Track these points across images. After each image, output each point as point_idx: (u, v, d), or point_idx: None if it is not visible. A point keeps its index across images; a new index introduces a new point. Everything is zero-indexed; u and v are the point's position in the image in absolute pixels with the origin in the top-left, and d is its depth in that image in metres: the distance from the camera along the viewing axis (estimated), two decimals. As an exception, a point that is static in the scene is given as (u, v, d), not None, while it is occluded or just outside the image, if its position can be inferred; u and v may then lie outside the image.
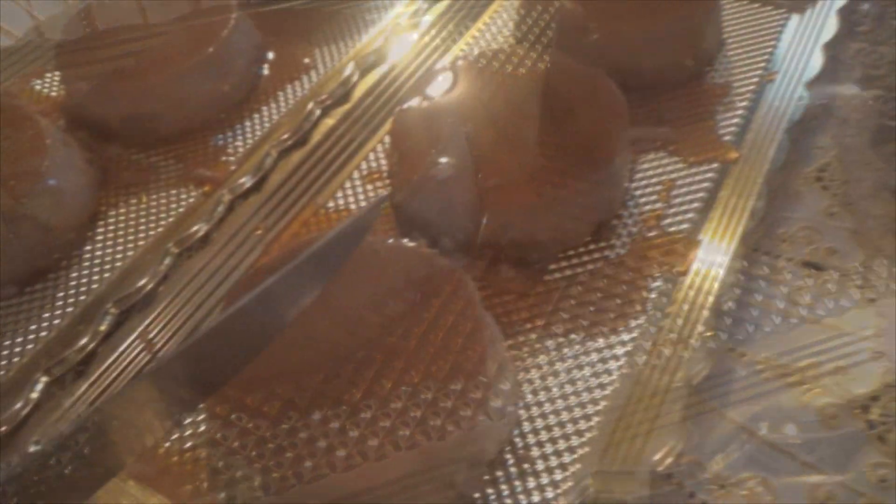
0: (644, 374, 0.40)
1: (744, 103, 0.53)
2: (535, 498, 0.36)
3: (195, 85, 0.56)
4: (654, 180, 0.49)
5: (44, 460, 0.26)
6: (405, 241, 0.41)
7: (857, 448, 0.37)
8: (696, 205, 0.47)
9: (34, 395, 0.42)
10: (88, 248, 0.49)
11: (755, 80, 0.54)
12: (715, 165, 0.49)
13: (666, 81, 0.54)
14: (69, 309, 0.46)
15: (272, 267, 0.41)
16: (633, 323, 0.42)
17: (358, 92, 0.58)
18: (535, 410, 0.39)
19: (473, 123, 0.47)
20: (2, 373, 0.43)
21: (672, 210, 0.47)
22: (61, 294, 0.47)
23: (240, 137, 0.56)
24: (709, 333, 0.40)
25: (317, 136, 0.55)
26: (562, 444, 0.37)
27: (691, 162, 0.50)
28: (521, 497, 0.36)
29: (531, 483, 0.36)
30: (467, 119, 0.47)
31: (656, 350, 0.40)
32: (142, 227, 0.50)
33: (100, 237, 0.50)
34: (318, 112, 0.56)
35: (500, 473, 0.37)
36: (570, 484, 0.36)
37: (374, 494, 0.33)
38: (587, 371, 0.40)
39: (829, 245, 0.45)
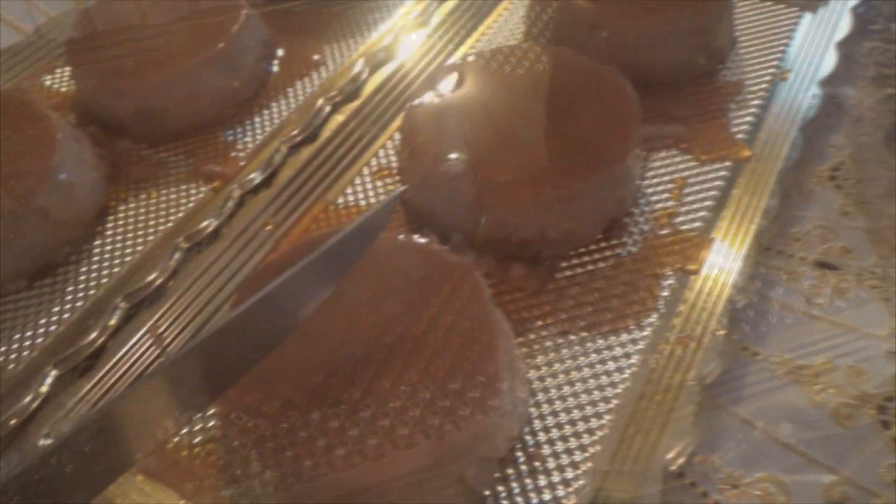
0: (656, 373, 0.39)
1: (756, 101, 0.53)
2: (546, 496, 0.36)
3: (205, 81, 0.55)
4: (665, 178, 0.49)
5: (55, 456, 0.26)
6: (415, 237, 0.41)
7: (872, 448, 0.36)
8: (708, 203, 0.47)
9: (43, 389, 0.42)
10: (98, 242, 0.49)
11: (768, 78, 0.54)
12: (727, 164, 0.49)
13: (678, 79, 0.54)
14: (79, 303, 0.46)
15: (282, 263, 0.41)
16: (644, 321, 0.42)
17: (368, 89, 0.58)
18: (545, 408, 0.39)
19: (484, 120, 0.47)
20: (11, 366, 0.43)
21: (684, 208, 0.47)
22: (71, 288, 0.47)
23: (249, 133, 0.55)
24: (721, 332, 0.40)
25: (326, 132, 0.55)
26: (573, 443, 0.37)
27: (703, 160, 0.49)
28: (532, 495, 0.36)
29: (542, 481, 0.36)
30: (478, 116, 0.47)
31: (668, 348, 0.40)
32: (151, 222, 0.50)
33: (109, 232, 0.50)
34: (327, 108, 0.56)
35: (510, 471, 0.36)
36: (581, 482, 0.36)
37: (385, 490, 0.32)
38: (598, 369, 0.40)
39: (843, 244, 0.45)
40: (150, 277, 0.46)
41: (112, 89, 0.55)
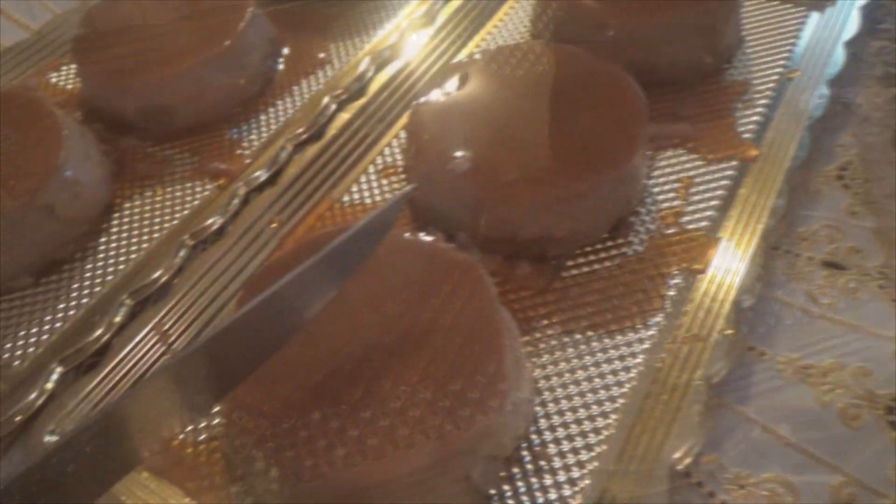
0: (662, 372, 0.39)
1: (763, 101, 0.52)
2: (552, 495, 0.35)
3: (211, 78, 0.55)
4: (672, 177, 0.49)
5: (60, 455, 0.25)
6: (421, 234, 0.41)
7: (880, 449, 0.36)
8: (715, 202, 0.47)
9: (49, 386, 0.42)
10: (104, 239, 0.49)
11: (775, 77, 0.54)
12: (734, 163, 0.49)
13: (684, 78, 0.54)
14: (84, 300, 0.46)
15: (287, 261, 0.41)
16: (651, 320, 0.41)
17: (373, 87, 0.58)
18: (551, 407, 0.38)
19: (490, 118, 0.47)
20: (17, 363, 0.43)
21: (691, 207, 0.47)
22: (76, 285, 0.47)
23: (255, 131, 0.55)
24: (728, 331, 0.40)
25: (332, 130, 0.55)
26: (579, 442, 0.37)
27: (710, 159, 0.49)
28: (538, 494, 0.36)
29: (548, 480, 0.36)
30: (484, 114, 0.47)
31: (675, 348, 0.40)
32: (157, 220, 0.50)
33: (115, 229, 0.50)
34: (333, 106, 0.56)
35: (516, 470, 0.36)
36: (587, 482, 0.36)
37: (390, 489, 0.32)
38: (604, 368, 0.40)
39: (850, 244, 0.45)
40: (156, 275, 0.46)
41: (118, 86, 0.55)
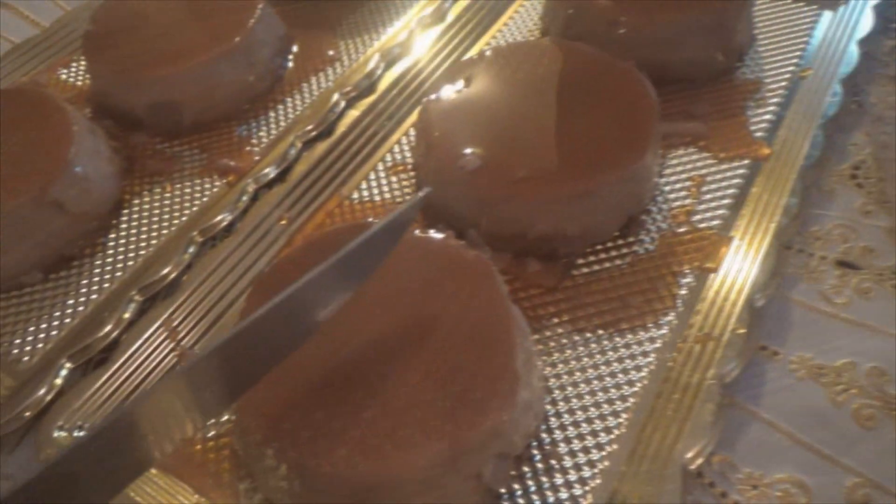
0: (674, 371, 0.39)
1: (776, 99, 0.52)
2: (563, 494, 0.35)
3: (220, 75, 0.55)
4: (683, 176, 0.48)
5: (75, 456, 0.26)
6: (432, 232, 0.41)
7: (895, 449, 0.36)
8: (727, 201, 0.46)
9: (58, 381, 0.42)
10: (113, 235, 0.49)
11: (787, 76, 0.53)
12: (746, 162, 0.48)
13: (696, 76, 0.54)
14: (93, 296, 0.46)
15: (297, 258, 0.41)
16: (662, 319, 0.41)
17: (383, 84, 0.58)
18: (562, 406, 0.38)
19: (501, 115, 0.47)
20: (26, 358, 0.43)
21: (703, 206, 0.46)
22: (85, 281, 0.47)
23: (264, 128, 0.55)
24: (741, 331, 0.40)
25: (342, 127, 0.54)
26: (590, 441, 0.37)
27: (722, 158, 0.49)
28: (549, 493, 0.35)
29: (559, 479, 0.36)
30: (495, 111, 0.47)
31: (687, 347, 0.40)
32: (166, 216, 0.50)
33: (124, 225, 0.50)
34: (342, 103, 0.56)
35: (526, 469, 0.36)
36: (598, 481, 0.35)
37: (401, 486, 0.32)
38: (615, 367, 0.39)
39: (864, 244, 0.44)
40: (165, 271, 0.46)
41: (127, 83, 0.55)
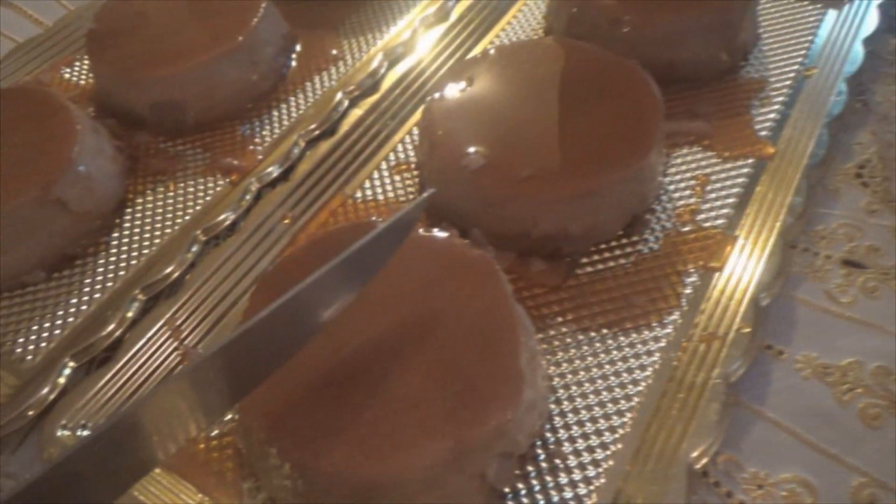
0: (679, 371, 0.39)
1: (780, 98, 0.52)
2: (567, 494, 0.35)
3: (223, 74, 0.55)
4: (688, 175, 0.48)
5: (79, 457, 0.25)
6: (435, 230, 0.41)
7: (901, 450, 0.36)
8: (731, 200, 0.46)
9: (61, 381, 0.42)
10: (116, 235, 0.49)
11: (792, 75, 0.53)
12: (751, 161, 0.48)
13: (700, 76, 0.53)
14: (96, 295, 0.46)
15: (300, 257, 0.41)
16: (667, 318, 0.41)
17: (386, 83, 0.58)
18: (566, 405, 0.38)
19: (505, 114, 0.46)
20: (29, 358, 0.43)
21: (707, 205, 0.46)
22: (89, 280, 0.47)
23: (267, 127, 0.55)
24: (746, 330, 0.39)
25: (345, 126, 0.54)
26: (594, 440, 0.37)
27: (726, 157, 0.49)
28: (553, 493, 0.35)
29: (563, 478, 0.36)
30: (499, 110, 0.47)
31: (691, 346, 0.39)
32: (169, 215, 0.50)
33: (127, 224, 0.50)
34: (346, 102, 0.56)
35: (531, 468, 0.36)
36: (602, 481, 0.35)
37: (404, 485, 0.32)
38: (620, 366, 0.39)
39: (869, 243, 0.44)
40: (168, 270, 0.46)
41: (130, 82, 0.55)
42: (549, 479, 0.36)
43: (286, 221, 0.49)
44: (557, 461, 0.36)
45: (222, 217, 0.49)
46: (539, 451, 0.36)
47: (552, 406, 0.38)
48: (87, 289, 0.46)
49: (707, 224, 0.45)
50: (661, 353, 0.40)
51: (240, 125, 0.55)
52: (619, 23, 0.53)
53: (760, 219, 0.45)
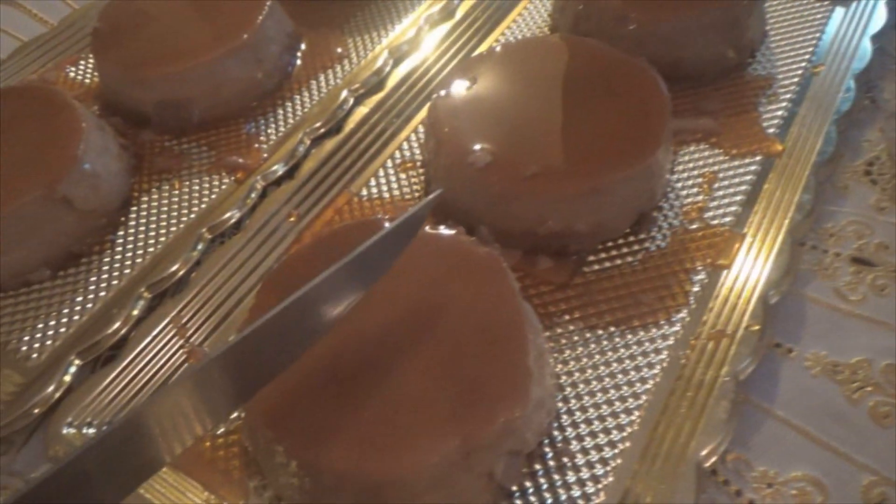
0: (687, 369, 0.38)
1: (788, 96, 0.51)
2: (575, 492, 0.35)
3: (228, 72, 0.55)
4: (695, 173, 0.48)
5: (86, 458, 0.25)
6: (442, 228, 0.41)
7: (913, 448, 0.35)
8: (739, 198, 0.46)
9: (67, 379, 0.42)
10: (121, 233, 0.49)
11: (799, 72, 0.53)
12: (758, 158, 0.48)
13: (706, 73, 0.53)
14: (102, 293, 0.46)
15: (306, 255, 0.41)
16: (675, 316, 0.41)
17: (392, 81, 0.57)
18: (574, 403, 0.38)
19: (511, 111, 0.46)
20: (35, 356, 0.43)
21: (714, 203, 0.46)
22: (94, 278, 0.47)
23: (272, 125, 0.55)
24: (755, 328, 0.39)
25: (350, 124, 0.54)
26: (602, 438, 0.36)
27: (734, 154, 0.48)
28: (561, 491, 0.35)
29: (570, 477, 0.35)
30: (505, 107, 0.46)
31: (700, 344, 0.39)
32: (174, 213, 0.50)
33: (133, 222, 0.49)
34: (351, 100, 0.56)
35: (538, 467, 0.36)
36: (610, 479, 0.35)
37: (412, 483, 0.32)
38: (627, 364, 0.39)
39: (878, 240, 0.44)
40: (174, 268, 0.46)
41: (136, 80, 0.55)
42: (556, 477, 0.35)
43: (292, 219, 0.49)
44: (565, 459, 0.36)
45: (228, 215, 0.49)
46: (547, 449, 0.36)
47: (559, 404, 0.38)
48: (92, 287, 0.46)
49: (715, 222, 0.45)
50: (670, 350, 0.39)
51: (245, 123, 0.55)
52: (625, 20, 0.52)
53: (769, 216, 0.45)
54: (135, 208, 0.50)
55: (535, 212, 0.43)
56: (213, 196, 0.51)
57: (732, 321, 0.40)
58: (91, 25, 0.59)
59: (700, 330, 0.40)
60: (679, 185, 0.47)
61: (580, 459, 0.36)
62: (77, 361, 0.42)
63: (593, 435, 0.37)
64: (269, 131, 0.55)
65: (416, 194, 0.49)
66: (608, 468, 0.35)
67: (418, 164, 0.51)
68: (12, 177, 0.47)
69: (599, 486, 0.35)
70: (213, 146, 0.54)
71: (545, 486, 0.35)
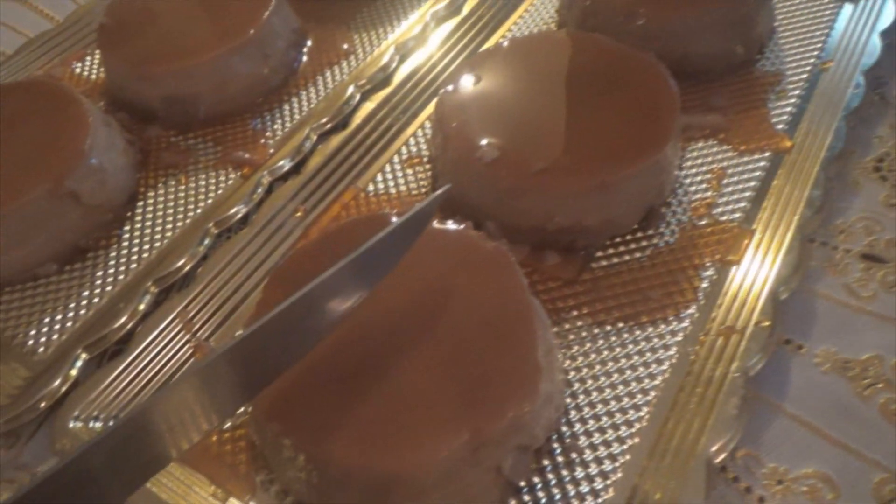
0: (696, 365, 0.38)
1: (797, 92, 0.51)
2: (584, 488, 0.35)
3: (235, 68, 0.55)
4: (703, 168, 0.48)
5: (93, 453, 0.25)
6: (449, 222, 0.40)
7: (924, 445, 0.35)
8: (748, 194, 0.46)
9: (73, 373, 0.42)
10: (128, 227, 0.49)
11: (808, 68, 0.53)
12: (767, 154, 0.48)
13: (715, 69, 0.53)
14: (108, 288, 0.46)
15: (313, 250, 0.41)
16: (683, 312, 0.40)
17: (398, 77, 0.57)
18: (582, 399, 0.38)
19: (519, 106, 0.46)
20: (41, 350, 0.43)
21: (723, 199, 0.46)
22: (101, 273, 0.46)
23: (278, 121, 0.55)
24: (765, 324, 0.39)
25: (357, 119, 0.54)
26: (611, 435, 0.36)
27: (742, 150, 0.48)
28: (569, 486, 0.35)
29: (579, 473, 0.35)
30: (513, 102, 0.46)
31: (709, 340, 0.39)
32: (181, 208, 0.50)
33: (139, 217, 0.49)
34: (357, 96, 0.55)
35: (547, 462, 0.36)
36: (619, 475, 0.35)
37: (420, 478, 0.32)
38: (636, 360, 0.39)
39: (889, 236, 0.44)
40: (180, 263, 0.46)
41: (142, 76, 0.55)
42: (565, 472, 0.35)
43: (298, 214, 0.48)
44: (574, 455, 0.36)
45: (234, 210, 0.49)
46: (555, 444, 0.36)
47: (568, 400, 0.38)
48: (99, 281, 0.46)
49: (724, 218, 0.45)
50: (678, 346, 0.39)
51: (251, 119, 0.55)
52: (633, 16, 0.52)
53: (778, 212, 0.44)
54: (141, 203, 0.50)
55: (543, 207, 0.43)
56: (220, 191, 0.50)
57: (742, 317, 0.40)
58: (97, 21, 0.59)
59: (709, 326, 0.40)
60: (687, 181, 0.47)
61: (588, 455, 0.36)
62: (84, 355, 0.42)
63: (602, 431, 0.36)
64: (275, 127, 0.55)
65: (423, 190, 0.49)
66: (617, 464, 0.35)
67: (425, 159, 0.51)
68: (19, 172, 0.46)
69: (608, 481, 0.35)
70: (220, 142, 0.54)
71: (553, 482, 0.35)
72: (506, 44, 0.51)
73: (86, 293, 0.45)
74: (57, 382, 0.41)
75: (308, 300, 0.30)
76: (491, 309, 0.35)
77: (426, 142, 0.52)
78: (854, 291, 0.41)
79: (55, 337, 0.43)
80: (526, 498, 0.35)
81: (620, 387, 0.38)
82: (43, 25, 0.66)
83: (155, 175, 0.52)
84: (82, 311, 0.45)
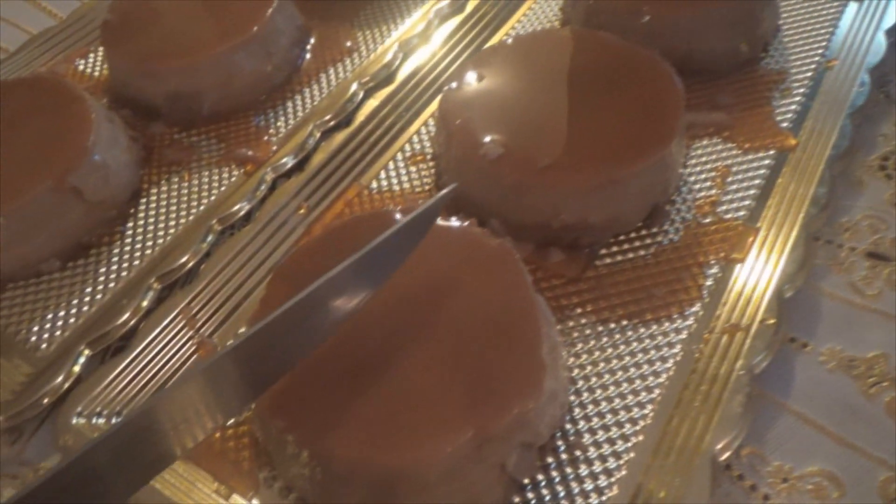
0: (701, 363, 0.38)
1: (801, 90, 0.51)
2: (588, 485, 0.35)
3: (238, 65, 0.55)
4: (708, 166, 0.47)
5: (97, 452, 0.25)
6: (453, 219, 0.40)
7: (930, 444, 0.35)
8: (752, 191, 0.45)
9: (76, 369, 0.42)
10: (131, 224, 0.49)
11: (813, 66, 0.53)
12: (772, 152, 0.47)
13: (719, 67, 0.53)
14: (112, 284, 0.46)
15: (316, 247, 0.41)
16: (688, 310, 0.40)
17: (402, 74, 0.57)
18: (586, 397, 0.38)
19: (523, 104, 0.46)
20: (44, 346, 0.43)
21: (728, 196, 0.45)
22: (104, 269, 0.46)
23: (282, 118, 0.55)
24: (770, 322, 0.39)
25: (360, 116, 0.54)
26: (615, 432, 0.36)
27: (747, 148, 0.48)
28: (573, 484, 0.35)
29: (583, 470, 0.35)
30: (517, 99, 0.46)
31: (714, 338, 0.39)
32: (184, 205, 0.49)
33: (142, 214, 0.49)
34: (361, 94, 0.55)
35: (551, 460, 0.35)
36: (623, 472, 0.35)
37: (424, 475, 0.32)
38: (640, 358, 0.39)
39: (894, 235, 0.43)
40: (183, 259, 0.46)
41: (146, 73, 0.55)
42: (569, 470, 0.35)
43: (301, 211, 0.48)
44: (578, 452, 0.36)
45: (237, 207, 0.49)
46: (559, 442, 0.36)
47: (572, 398, 0.37)
48: (102, 278, 0.46)
49: (728, 216, 0.44)
50: (683, 344, 0.39)
51: (254, 116, 0.55)
52: (637, 14, 0.52)
53: (783, 210, 0.44)
54: (144, 200, 0.50)
55: (547, 204, 0.42)
56: (223, 188, 0.50)
57: (747, 315, 0.39)
58: (101, 18, 0.59)
59: (714, 324, 0.40)
60: (692, 178, 0.47)
61: (593, 453, 0.36)
62: (87, 352, 0.42)
63: (606, 428, 0.36)
64: (278, 124, 0.55)
65: (427, 187, 0.49)
66: (621, 462, 0.35)
67: (428, 156, 0.51)
68: (22, 168, 0.46)
69: (612, 479, 0.35)
70: (223, 138, 0.54)
71: (557, 479, 0.35)
72: (509, 41, 0.51)
73: (89, 290, 0.45)
74: (60, 379, 0.41)
75: (313, 299, 0.30)
76: (495, 306, 0.35)
77: (430, 139, 0.52)
78: (859, 289, 0.41)
79: (58, 333, 0.43)
80: (530, 495, 0.35)
81: (625, 384, 0.38)
82: (46, 22, 0.66)
83: (158, 172, 0.52)
84: (85, 308, 0.45)
